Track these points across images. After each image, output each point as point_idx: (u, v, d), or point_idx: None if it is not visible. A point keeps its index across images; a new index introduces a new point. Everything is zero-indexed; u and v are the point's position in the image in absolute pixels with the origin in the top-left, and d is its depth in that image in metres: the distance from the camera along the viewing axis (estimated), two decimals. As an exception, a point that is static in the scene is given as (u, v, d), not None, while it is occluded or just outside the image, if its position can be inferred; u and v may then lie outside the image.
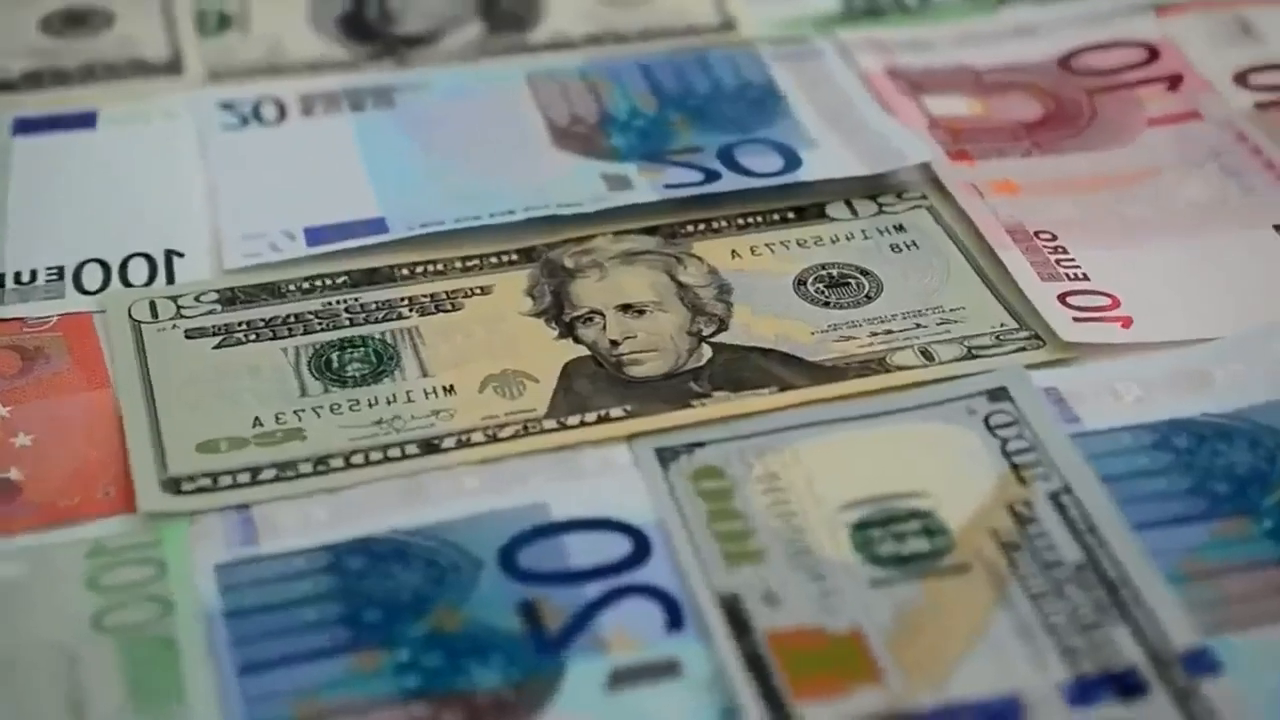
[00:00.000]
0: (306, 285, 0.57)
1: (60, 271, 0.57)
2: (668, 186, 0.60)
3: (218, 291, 0.57)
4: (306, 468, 0.51)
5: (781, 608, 0.47)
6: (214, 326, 0.55)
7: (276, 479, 0.50)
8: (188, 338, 0.55)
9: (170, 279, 0.57)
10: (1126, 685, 0.45)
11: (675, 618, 0.47)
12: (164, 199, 0.61)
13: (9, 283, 0.57)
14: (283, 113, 0.65)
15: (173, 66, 0.67)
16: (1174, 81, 0.66)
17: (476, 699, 0.45)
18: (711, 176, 0.61)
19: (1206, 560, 0.48)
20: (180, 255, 0.58)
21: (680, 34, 0.68)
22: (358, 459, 0.51)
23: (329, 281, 0.57)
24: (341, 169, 0.62)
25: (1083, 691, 0.45)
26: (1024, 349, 0.54)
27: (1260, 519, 0.50)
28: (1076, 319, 0.55)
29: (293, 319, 0.56)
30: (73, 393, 0.53)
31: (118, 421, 0.52)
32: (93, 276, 0.57)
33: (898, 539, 0.49)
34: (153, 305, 0.56)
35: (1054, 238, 0.58)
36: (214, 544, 0.49)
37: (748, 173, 0.61)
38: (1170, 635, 0.46)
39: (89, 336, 0.55)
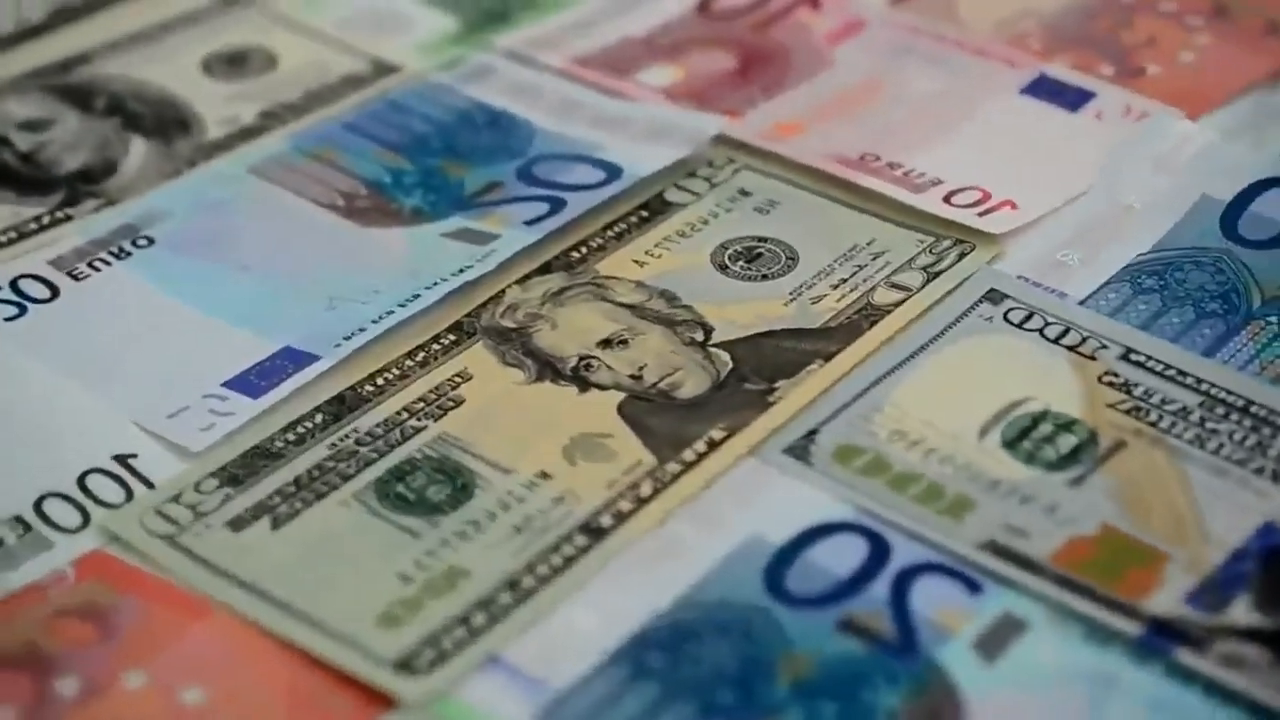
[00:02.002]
0: (293, 436, 0.52)
1: (21, 521, 0.49)
2: (529, 224, 0.59)
3: (213, 476, 0.51)
4: (506, 596, 0.47)
5: (1032, 534, 0.49)
6: (249, 509, 0.50)
7: (491, 621, 0.47)
8: (234, 529, 0.49)
9: (147, 483, 0.50)
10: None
11: (969, 582, 0.48)
12: (50, 408, 0.53)
13: (-19, 556, 0.48)
14: (51, 287, 0.57)
15: None
16: (814, 2, 0.70)
17: (902, 725, 0.45)
18: (557, 203, 0.59)
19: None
20: (134, 456, 0.51)
21: (342, 89, 0.65)
22: (542, 569, 0.48)
23: (309, 425, 0.52)
24: (184, 319, 0.56)
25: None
26: (964, 255, 0.58)
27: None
28: (981, 214, 0.59)
29: (316, 471, 0.51)
30: (180, 632, 0.46)
31: (266, 641, 0.46)
32: (61, 512, 0.49)
33: (1048, 442, 0.52)
34: (163, 514, 0.49)
35: (878, 157, 0.62)
36: (503, 701, 0.45)
37: (586, 188, 0.60)
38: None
39: (129, 572, 0.48)
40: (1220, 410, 0.52)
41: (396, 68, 0.66)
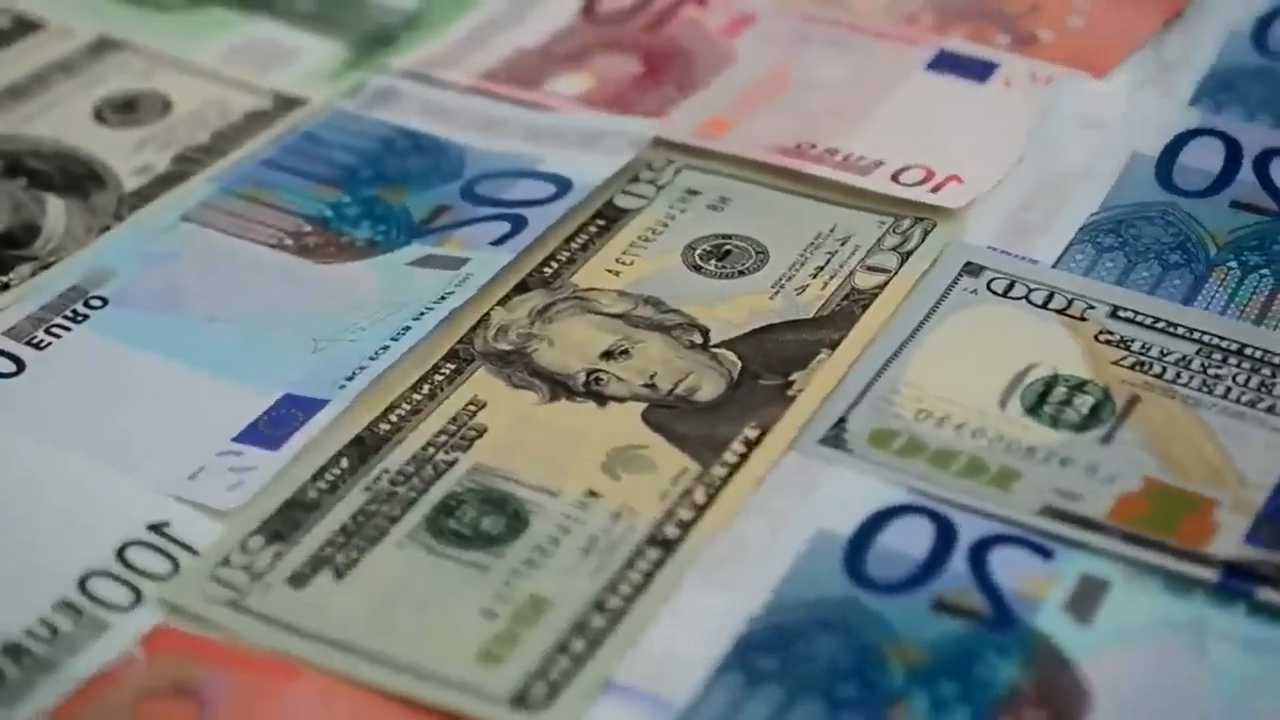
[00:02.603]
0: (324, 485, 0.50)
1: (70, 606, 0.47)
2: (496, 244, 0.58)
3: (257, 534, 0.49)
4: (598, 619, 0.46)
5: (1083, 496, 0.50)
6: (305, 563, 0.48)
7: (592, 646, 0.46)
8: (296, 586, 0.47)
9: (189, 550, 0.48)
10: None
11: (1039, 549, 0.49)
12: (61, 483, 0.50)
13: (32, 647, 0.46)
14: (14, 360, 0.54)
15: None
16: (700, -2, 0.71)
17: (1024, 698, 0.45)
18: (517, 220, 0.59)
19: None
20: (166, 523, 0.49)
21: (250, 127, 0.63)
22: (624, 588, 0.47)
23: (338, 471, 0.51)
24: (168, 376, 0.54)
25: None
26: (928, 232, 0.59)
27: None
28: (933, 191, 0.60)
29: (361, 517, 0.49)
30: (277, 696, 0.45)
31: (364, 694, 0.45)
32: (109, 590, 0.47)
33: (1066, 405, 0.53)
34: (219, 579, 0.48)
35: (814, 145, 0.62)
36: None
37: (540, 203, 0.60)
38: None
39: (201, 643, 0.46)
40: (1218, 356, 0.54)
41: (302, 100, 0.64)
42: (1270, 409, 0.52)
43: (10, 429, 0.52)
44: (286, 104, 0.64)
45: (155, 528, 0.49)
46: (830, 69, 0.66)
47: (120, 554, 0.48)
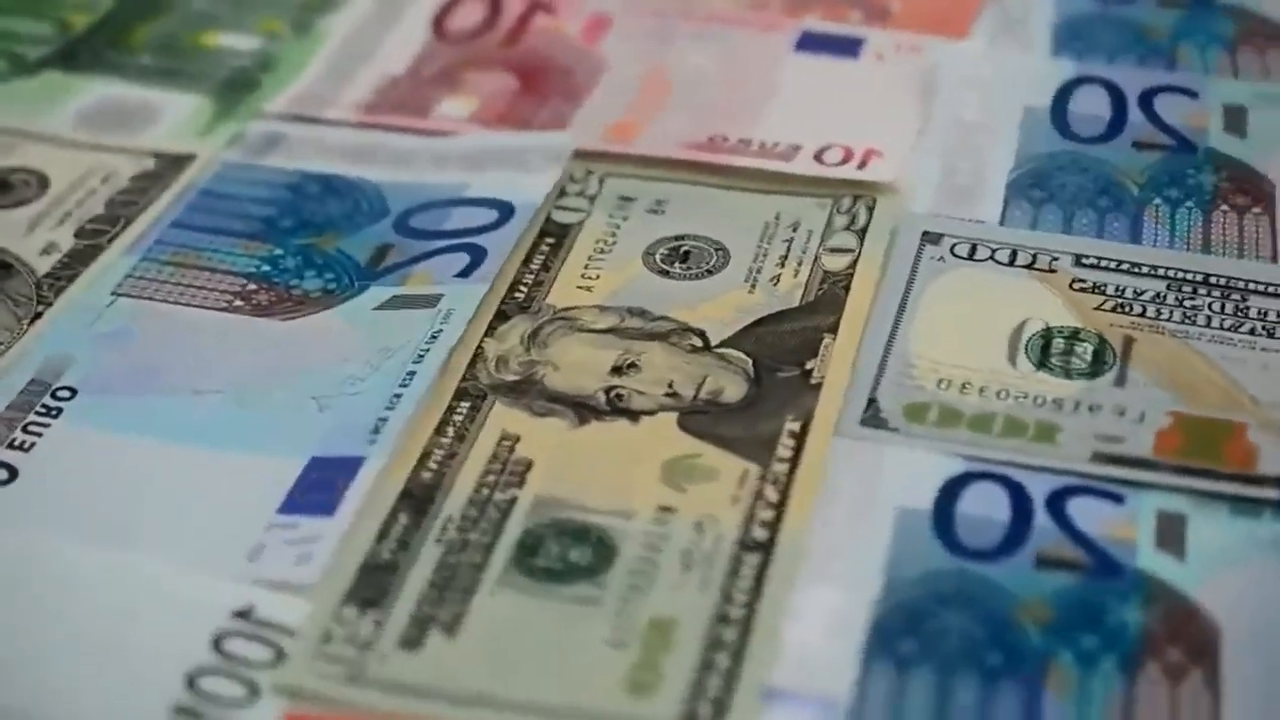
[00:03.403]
0: (394, 544, 0.49)
1: (188, 712, 0.44)
2: (462, 276, 0.57)
3: (347, 605, 0.47)
4: (729, 632, 0.46)
5: (1124, 438, 0.51)
6: (409, 625, 0.47)
7: (735, 659, 0.46)
8: (410, 649, 0.46)
9: (284, 631, 0.46)
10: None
11: (1108, 495, 0.50)
12: (114, 585, 0.47)
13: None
14: (7, 469, 0.51)
15: None
16: (545, 8, 0.70)
17: (1158, 637, 0.46)
18: (474, 250, 0.58)
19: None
20: (250, 609, 0.47)
21: (144, 191, 0.61)
22: (739, 596, 0.47)
23: (401, 527, 0.49)
24: (177, 459, 0.51)
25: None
26: (873, 209, 0.60)
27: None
28: (860, 168, 0.61)
29: (445, 570, 0.48)
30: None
31: None
32: (223, 687, 0.45)
33: (1070, 355, 0.54)
34: (328, 656, 0.46)
35: (725, 137, 0.63)
36: None
37: (487, 229, 0.59)
38: None
39: (338, 723, 0.44)
40: (1188, 289, 0.56)
41: (188, 156, 0.62)
42: (1252, 331, 0.55)
43: (35, 538, 0.48)
44: (174, 163, 0.61)
45: (242, 614, 0.46)
46: (703, 62, 0.66)
47: (218, 647, 0.45)
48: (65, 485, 0.50)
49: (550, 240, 0.58)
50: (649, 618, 0.46)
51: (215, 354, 0.54)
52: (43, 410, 0.52)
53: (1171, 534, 0.49)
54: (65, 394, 0.53)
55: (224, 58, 0.67)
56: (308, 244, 0.58)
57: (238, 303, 0.56)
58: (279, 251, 0.58)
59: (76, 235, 0.58)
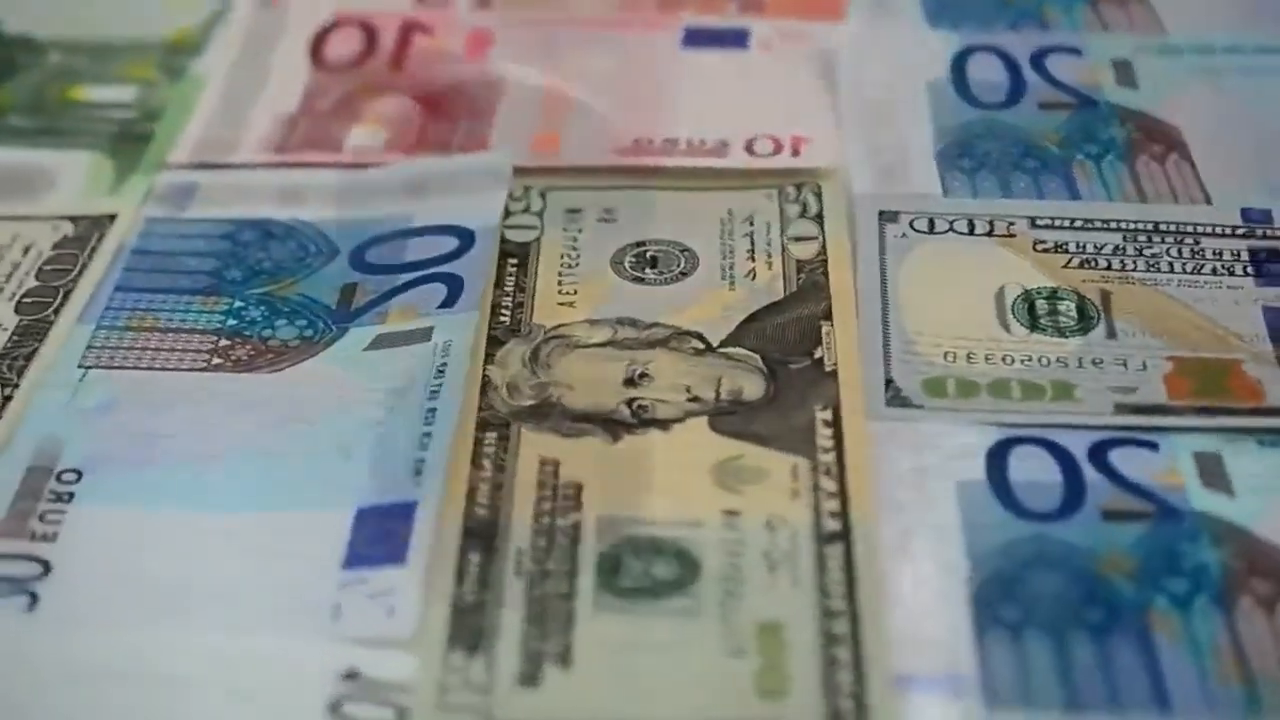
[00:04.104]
0: (475, 585, 0.48)
1: None
2: (446, 307, 0.56)
3: (452, 651, 0.46)
4: (839, 625, 0.46)
5: (1137, 387, 0.53)
6: (522, 664, 0.46)
7: (855, 652, 0.46)
8: (530, 685, 0.45)
9: (396, 688, 0.45)
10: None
11: (1143, 444, 0.52)
12: (200, 662, 0.46)
13: None
14: (35, 560, 0.49)
15: None
16: (422, 28, 0.69)
17: (1240, 572, 0.48)
18: (449, 279, 0.57)
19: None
20: (355, 670, 0.45)
21: (73, 257, 0.58)
22: (834, 589, 0.47)
23: (475, 567, 0.48)
24: (214, 528, 0.49)
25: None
26: (820, 193, 0.60)
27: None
28: (798, 154, 0.62)
29: (535, 605, 0.47)
30: None
31: None
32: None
33: (1055, 314, 0.55)
34: (451, 705, 0.45)
35: (651, 140, 0.63)
36: (954, 710, 0.45)
37: (453, 256, 0.58)
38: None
39: (487, 773, 0.43)
40: (1143, 238, 0.58)
41: (109, 216, 0.59)
42: (1214, 271, 0.57)
43: (95, 631, 0.46)
44: (94, 225, 0.59)
45: (350, 677, 0.44)
46: (598, 67, 0.66)
47: (337, 713, 0.43)
48: (107, 570, 0.47)
49: (514, 260, 0.57)
50: (755, 622, 0.46)
51: (212, 415, 0.52)
52: (53, 497, 0.49)
53: (1214, 473, 0.50)
54: (71, 477, 0.50)
55: (102, 111, 0.64)
56: (266, 292, 0.56)
57: (216, 360, 0.54)
58: (239, 304, 0.56)
59: (18, 311, 0.55)
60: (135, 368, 0.54)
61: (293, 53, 0.67)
